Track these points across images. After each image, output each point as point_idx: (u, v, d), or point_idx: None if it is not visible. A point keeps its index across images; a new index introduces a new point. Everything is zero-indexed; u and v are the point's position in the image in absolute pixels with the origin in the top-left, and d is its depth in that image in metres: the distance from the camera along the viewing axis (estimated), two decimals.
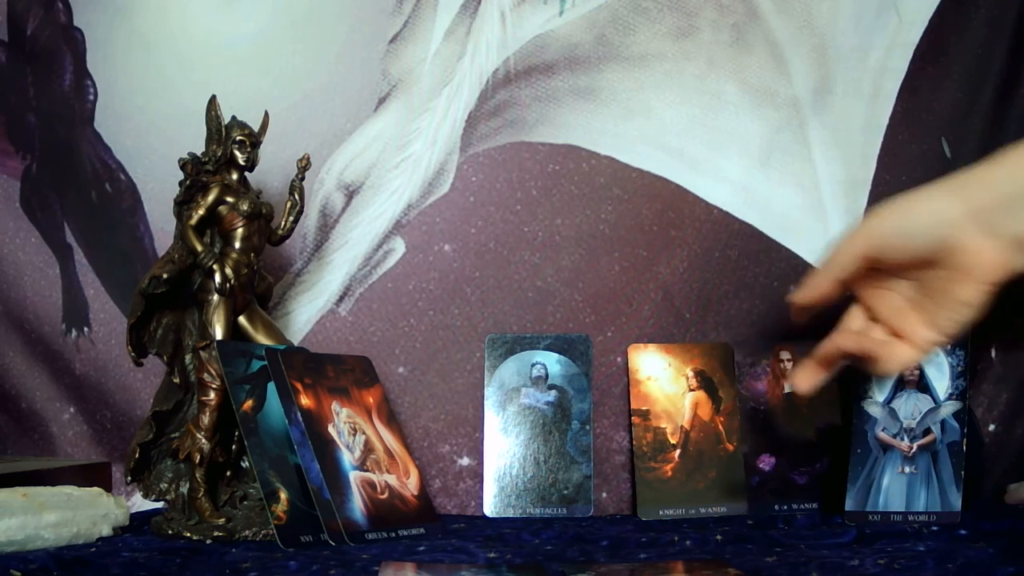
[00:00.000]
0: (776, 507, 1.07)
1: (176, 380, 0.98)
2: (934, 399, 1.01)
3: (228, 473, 0.99)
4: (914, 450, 1.01)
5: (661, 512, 1.06)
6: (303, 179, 1.03)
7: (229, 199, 0.97)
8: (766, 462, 1.10)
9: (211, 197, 0.97)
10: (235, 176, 0.99)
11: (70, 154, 1.17)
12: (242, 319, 0.99)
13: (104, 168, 1.17)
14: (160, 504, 1.00)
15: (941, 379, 1.02)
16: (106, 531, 0.90)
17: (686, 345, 1.14)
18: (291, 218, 1.03)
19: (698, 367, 1.12)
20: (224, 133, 0.98)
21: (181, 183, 0.98)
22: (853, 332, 0.79)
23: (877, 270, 0.76)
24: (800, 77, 1.18)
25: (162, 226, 1.16)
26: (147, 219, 1.17)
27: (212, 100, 0.98)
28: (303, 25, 1.17)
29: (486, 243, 1.16)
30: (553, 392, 1.12)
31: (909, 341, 0.76)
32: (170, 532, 0.93)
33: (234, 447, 0.98)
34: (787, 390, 1.12)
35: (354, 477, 0.94)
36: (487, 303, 1.15)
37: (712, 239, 1.17)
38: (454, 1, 1.16)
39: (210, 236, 0.99)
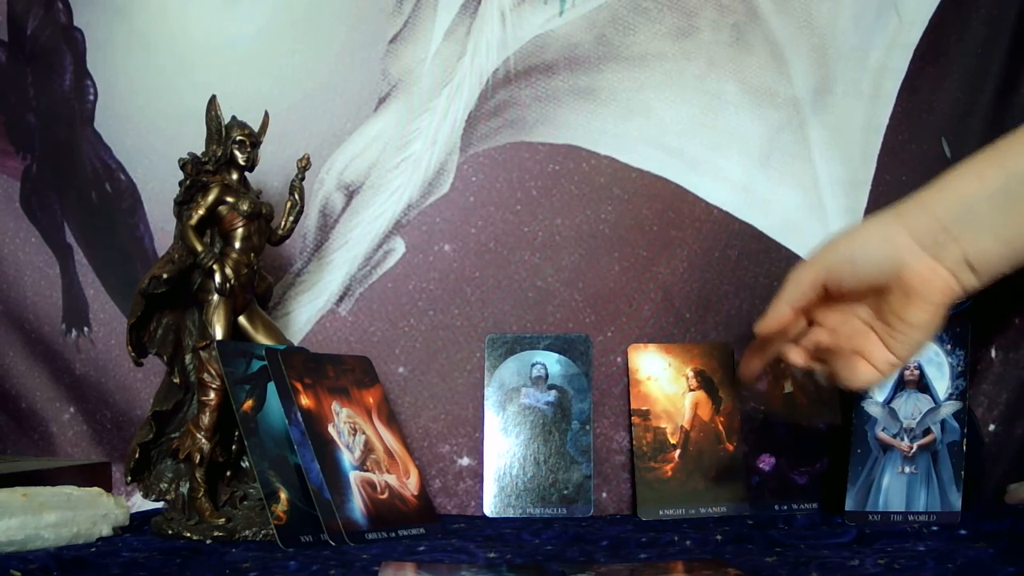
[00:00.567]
0: (776, 507, 1.08)
1: (176, 380, 0.98)
2: (934, 399, 1.01)
3: (228, 473, 0.99)
4: (914, 450, 1.01)
5: (661, 512, 1.06)
6: (303, 179, 1.03)
7: (229, 199, 0.97)
8: (766, 462, 1.10)
9: (211, 197, 0.97)
10: (235, 176, 0.99)
11: (70, 154, 1.17)
12: (242, 319, 0.99)
13: (104, 168, 1.17)
14: (160, 504, 1.00)
15: (941, 379, 1.02)
16: (106, 531, 0.90)
17: (686, 345, 1.14)
18: (291, 218, 1.03)
19: (698, 367, 1.13)
20: (224, 133, 0.98)
21: (181, 183, 0.98)
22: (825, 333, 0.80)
23: (833, 297, 0.78)
24: (800, 77, 1.18)
25: (162, 226, 1.16)
26: (147, 219, 1.17)
27: (212, 100, 0.98)
28: (303, 25, 1.17)
29: (486, 243, 1.16)
30: (553, 392, 1.12)
31: (870, 361, 0.78)
32: (170, 532, 0.93)
33: (234, 447, 0.98)
34: (787, 390, 1.12)
35: (354, 477, 0.94)
36: (487, 303, 1.15)
37: (712, 239, 1.17)
38: (454, 1, 1.16)
39: (210, 236, 0.99)
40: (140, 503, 1.04)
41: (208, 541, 0.90)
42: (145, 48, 1.17)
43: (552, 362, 1.12)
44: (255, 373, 0.94)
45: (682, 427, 1.10)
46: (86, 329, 1.16)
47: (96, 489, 0.91)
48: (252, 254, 0.98)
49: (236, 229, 0.98)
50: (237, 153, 0.99)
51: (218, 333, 0.96)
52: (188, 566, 0.80)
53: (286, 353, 0.97)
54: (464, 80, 1.17)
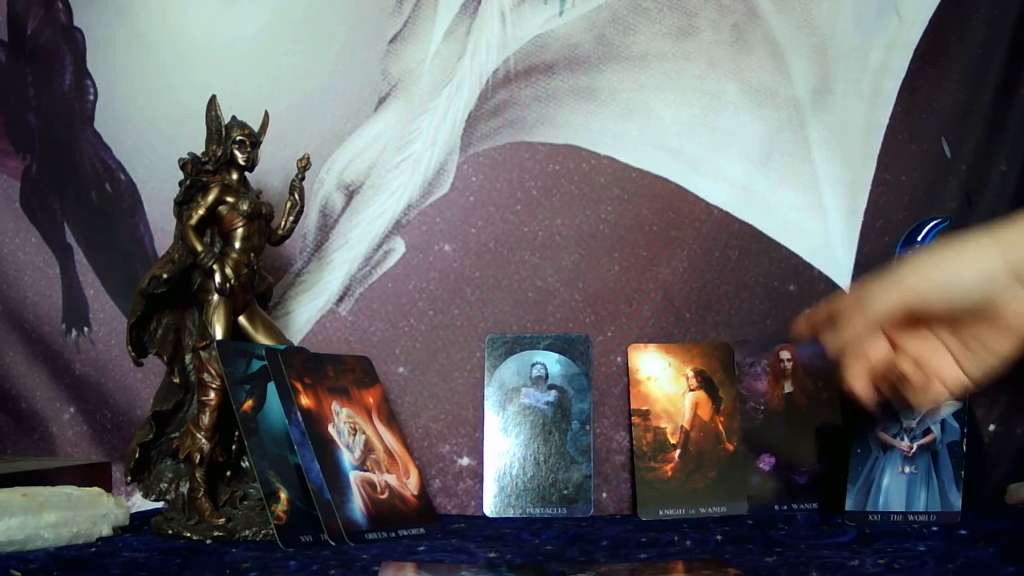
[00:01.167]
0: (776, 507, 1.07)
1: (176, 380, 0.98)
2: None
3: (228, 473, 0.99)
4: (914, 450, 1.01)
5: (661, 512, 1.06)
6: (303, 179, 1.03)
7: (229, 199, 0.97)
8: (766, 462, 1.10)
9: (211, 197, 0.97)
10: (235, 176, 0.99)
11: (70, 154, 1.17)
12: (242, 319, 0.99)
13: (104, 168, 1.17)
14: (160, 504, 1.00)
15: None
16: (106, 531, 0.90)
17: (686, 345, 1.14)
18: (291, 218, 1.03)
19: (698, 367, 1.12)
20: (224, 133, 0.98)
21: (181, 183, 0.98)
22: (909, 357, 0.76)
23: (915, 322, 0.75)
24: (800, 77, 1.18)
25: (162, 226, 1.16)
26: (147, 219, 1.17)
27: (212, 100, 0.98)
28: (303, 25, 1.17)
29: (486, 243, 1.16)
30: (553, 392, 1.12)
31: (942, 380, 0.75)
32: (170, 532, 0.93)
33: (234, 447, 0.98)
34: (787, 390, 1.12)
35: (354, 477, 0.94)
36: (487, 303, 1.15)
37: (712, 239, 1.17)
38: (454, 1, 1.16)
39: (210, 236, 0.99)
40: (140, 503, 1.04)
41: (208, 541, 0.90)
42: (145, 48, 1.17)
43: (552, 362, 1.12)
44: (255, 373, 0.94)
45: (682, 427, 1.10)
46: (86, 329, 1.16)
47: (96, 489, 0.91)
48: (252, 254, 0.98)
49: (236, 229, 0.98)
50: (237, 153, 0.99)
51: (218, 333, 0.96)
52: (188, 566, 0.80)
53: (286, 353, 0.97)
54: (464, 80, 1.17)
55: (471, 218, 1.16)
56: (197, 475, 0.95)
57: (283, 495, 0.89)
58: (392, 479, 0.98)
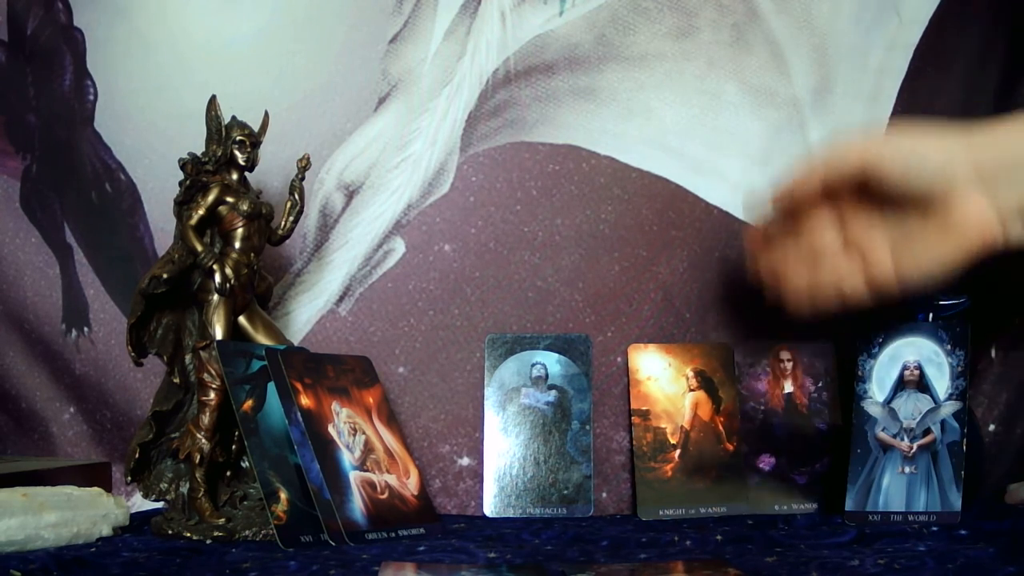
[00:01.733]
0: (776, 507, 1.08)
1: (176, 380, 0.98)
2: (934, 399, 1.01)
3: (228, 473, 0.99)
4: (914, 450, 1.01)
5: (661, 512, 1.06)
6: (303, 179, 1.03)
7: (229, 199, 0.97)
8: (766, 462, 1.10)
9: (211, 197, 0.97)
10: (235, 176, 0.99)
11: (70, 154, 1.17)
12: (242, 319, 0.99)
13: (104, 168, 1.17)
14: (160, 504, 1.00)
15: (941, 379, 1.01)
16: (106, 531, 0.90)
17: (686, 345, 1.14)
18: (291, 218, 1.03)
19: (698, 367, 1.13)
20: (224, 133, 0.98)
21: (181, 183, 0.98)
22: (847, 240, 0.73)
23: (863, 192, 0.72)
24: (800, 77, 1.18)
25: (162, 226, 1.16)
26: (147, 219, 1.17)
27: (212, 100, 0.98)
28: (303, 25, 1.17)
29: (486, 243, 1.16)
30: (553, 392, 1.12)
31: (866, 262, 0.71)
32: (170, 532, 0.93)
33: (234, 447, 0.98)
34: (787, 390, 1.12)
35: (354, 477, 0.94)
36: (487, 303, 1.15)
37: (712, 239, 1.17)
38: (454, 1, 1.16)
39: (210, 236, 0.99)
40: (140, 503, 1.04)
41: (208, 541, 0.90)
42: (145, 48, 1.17)
43: (552, 362, 1.12)
44: (255, 373, 0.94)
45: (682, 427, 1.10)
46: (86, 329, 1.16)
47: (96, 489, 0.91)
48: (252, 254, 0.99)
49: (236, 229, 0.98)
50: (237, 153, 0.99)
51: (218, 333, 0.96)
52: (188, 566, 0.80)
53: (286, 353, 0.97)
54: (464, 80, 1.17)
55: (471, 218, 1.16)
56: (197, 475, 0.95)
57: (283, 495, 0.89)
58: (392, 479, 0.98)
